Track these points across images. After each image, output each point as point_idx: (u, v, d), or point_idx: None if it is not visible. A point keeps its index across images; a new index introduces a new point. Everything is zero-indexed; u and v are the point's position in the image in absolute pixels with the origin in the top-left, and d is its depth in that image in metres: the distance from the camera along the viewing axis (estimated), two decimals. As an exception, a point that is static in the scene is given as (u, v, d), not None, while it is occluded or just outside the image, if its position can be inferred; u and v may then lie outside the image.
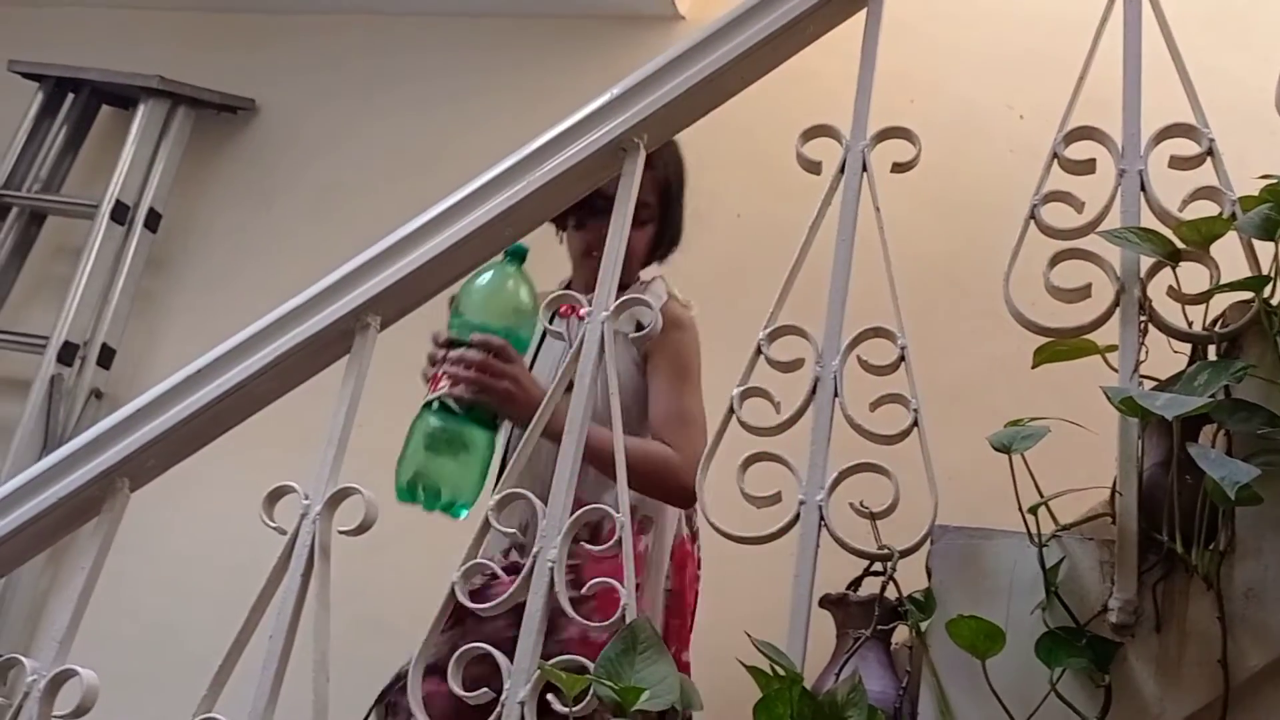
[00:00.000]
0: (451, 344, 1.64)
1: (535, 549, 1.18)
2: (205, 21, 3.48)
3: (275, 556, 1.25)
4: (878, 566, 1.21)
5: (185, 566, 2.72)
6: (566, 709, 1.07)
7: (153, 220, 3.21)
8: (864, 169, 1.30)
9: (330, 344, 1.37)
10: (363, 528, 1.24)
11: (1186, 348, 1.23)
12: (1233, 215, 1.22)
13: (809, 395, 1.21)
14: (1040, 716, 1.08)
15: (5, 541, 1.35)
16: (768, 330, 1.25)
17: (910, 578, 1.20)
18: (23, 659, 1.27)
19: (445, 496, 1.55)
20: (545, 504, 1.20)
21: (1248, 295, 1.18)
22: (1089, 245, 1.23)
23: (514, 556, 1.70)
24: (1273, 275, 1.16)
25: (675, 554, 1.89)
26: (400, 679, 1.64)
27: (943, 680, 1.12)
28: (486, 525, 1.22)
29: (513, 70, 3.17)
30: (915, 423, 1.18)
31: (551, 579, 1.15)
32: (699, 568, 1.94)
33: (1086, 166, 1.28)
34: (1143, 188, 1.25)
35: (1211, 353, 1.21)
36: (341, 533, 1.25)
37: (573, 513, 1.19)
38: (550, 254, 1.96)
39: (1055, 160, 1.29)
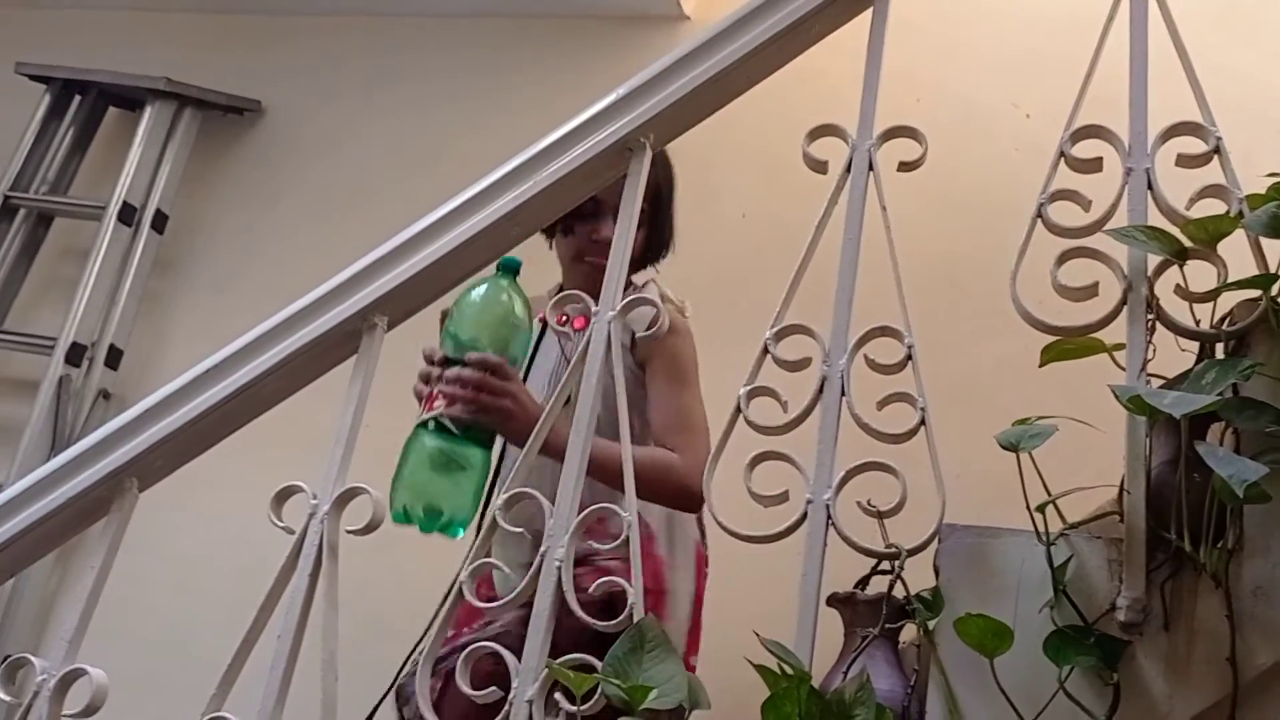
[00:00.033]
0: (447, 362, 1.60)
1: (543, 548, 1.18)
2: (211, 23, 3.49)
3: (283, 556, 1.25)
4: (885, 565, 1.21)
5: (194, 566, 2.73)
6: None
7: (159, 221, 3.22)
8: (870, 168, 1.30)
9: (338, 344, 1.37)
10: (370, 527, 1.24)
11: (1194, 346, 1.23)
12: (1240, 213, 1.22)
13: (816, 394, 1.21)
14: (1048, 715, 1.08)
15: (14, 542, 1.35)
16: (775, 329, 1.25)
17: (918, 576, 1.20)
18: (32, 658, 1.27)
19: (443, 517, 1.52)
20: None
21: (1255, 293, 1.18)
22: (1096, 244, 1.23)
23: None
24: (1280, 273, 1.16)
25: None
26: (413, 666, 1.64)
27: (951, 679, 1.12)
28: (494, 524, 1.22)
29: (518, 71, 3.17)
30: (922, 421, 1.18)
31: (559, 578, 1.15)
32: (706, 566, 1.94)
33: (1093, 165, 1.28)
34: (1150, 186, 1.25)
35: (1219, 351, 1.21)
36: (349, 532, 1.25)
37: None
38: (539, 261, 1.95)
39: (1062, 159, 1.29)
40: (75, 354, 3.03)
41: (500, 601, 1.21)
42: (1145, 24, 1.33)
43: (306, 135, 3.30)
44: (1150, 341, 1.19)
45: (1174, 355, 1.22)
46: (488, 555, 1.23)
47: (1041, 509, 1.14)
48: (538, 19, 3.22)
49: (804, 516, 1.16)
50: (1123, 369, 1.18)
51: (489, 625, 1.68)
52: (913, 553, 1.16)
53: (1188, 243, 1.21)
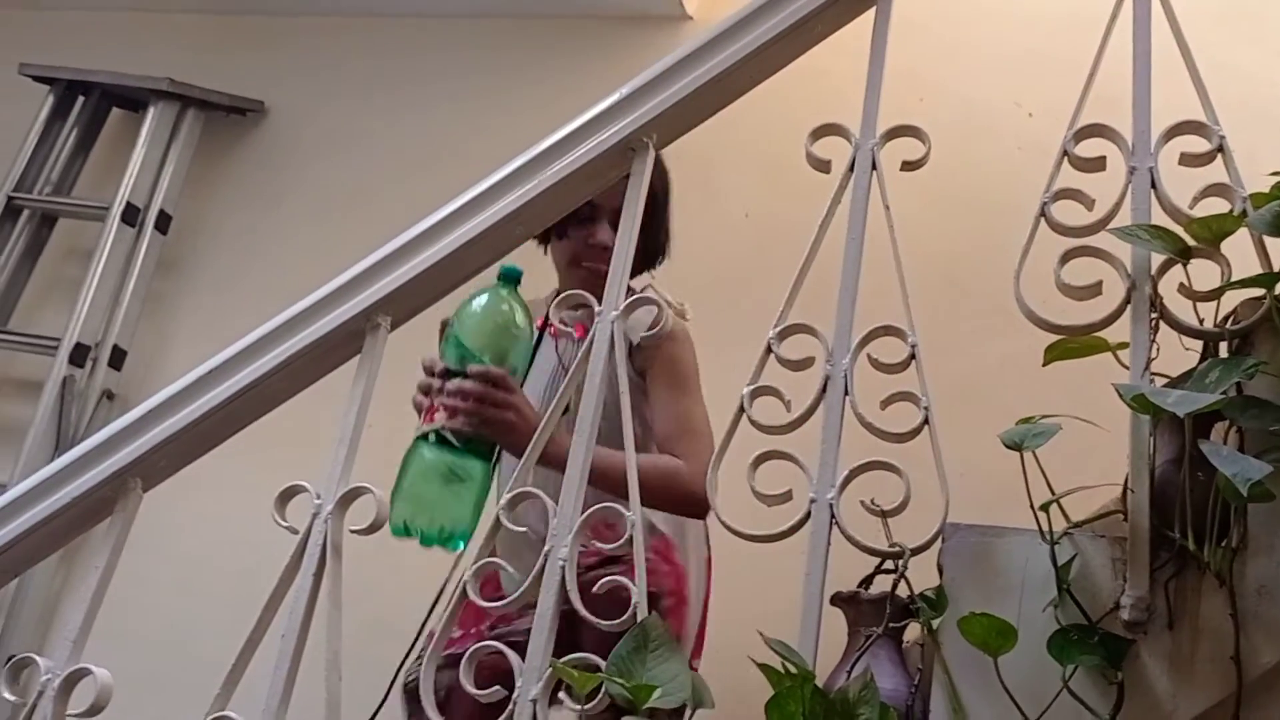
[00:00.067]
0: (448, 373, 1.59)
1: (546, 547, 1.18)
2: (214, 24, 3.50)
3: (287, 556, 1.25)
4: (889, 564, 1.21)
5: (198, 566, 2.73)
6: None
7: (163, 222, 3.23)
8: (873, 167, 1.30)
9: (341, 344, 1.38)
10: (374, 527, 1.24)
11: (1198, 345, 1.23)
12: (1244, 212, 1.22)
13: (819, 393, 1.21)
14: (1053, 714, 1.08)
15: (19, 542, 1.35)
16: (778, 329, 1.25)
17: (922, 575, 1.20)
18: (37, 658, 1.27)
19: (444, 530, 1.50)
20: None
21: (1259, 292, 1.17)
22: (1100, 243, 1.23)
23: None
24: (1284, 272, 1.16)
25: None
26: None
27: (955, 678, 1.12)
28: (498, 524, 1.22)
29: (521, 71, 3.18)
30: (926, 420, 1.18)
31: (563, 577, 1.15)
32: (711, 570, 1.94)
33: (1097, 164, 1.28)
34: (1153, 185, 1.25)
35: (1223, 350, 1.20)
36: (353, 532, 1.25)
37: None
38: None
39: (1065, 158, 1.28)
40: (79, 354, 3.04)
41: (504, 601, 1.20)
42: (1148, 22, 1.33)
43: (309, 136, 3.31)
44: (1154, 340, 1.18)
45: (1177, 354, 1.22)
46: (492, 555, 1.23)
47: (1045, 508, 1.14)
48: (541, 19, 3.22)
49: (807, 516, 1.16)
50: (1126, 368, 1.18)
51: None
52: (916, 552, 1.16)
53: (1191, 241, 1.20)
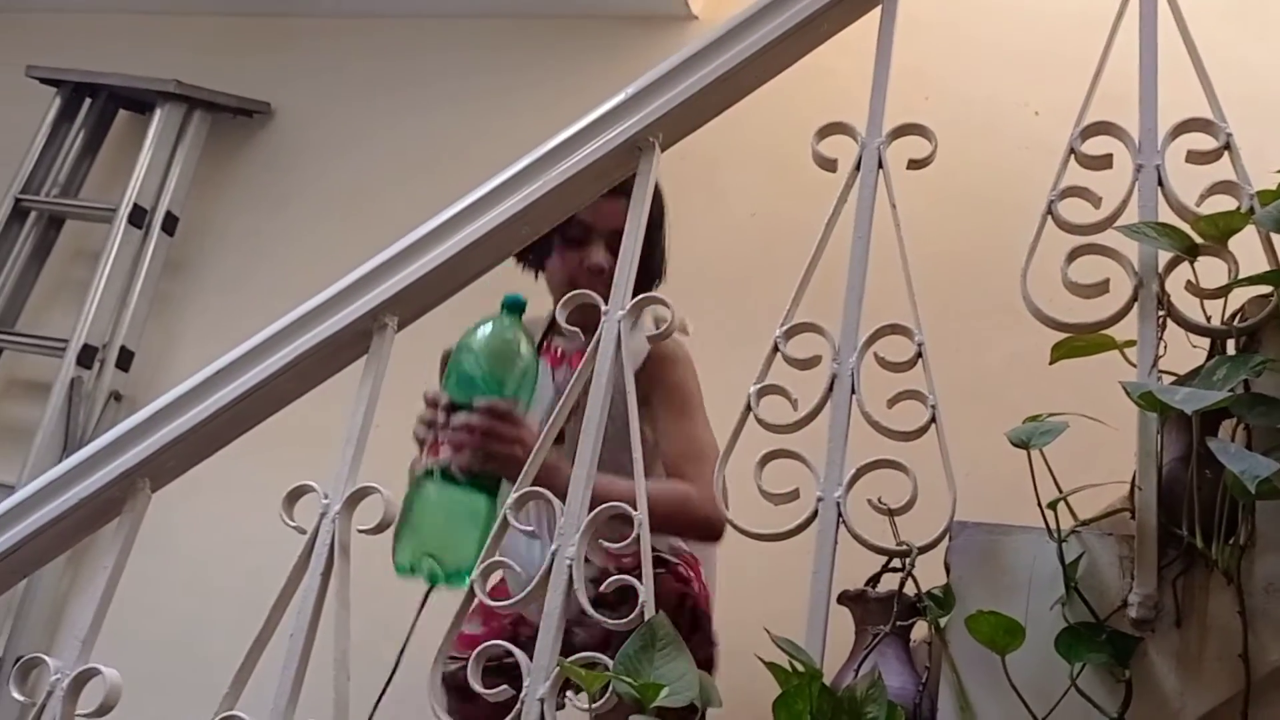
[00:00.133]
0: (452, 407, 1.55)
1: (553, 546, 1.18)
2: (221, 26, 3.50)
3: (295, 556, 1.25)
4: (896, 563, 1.21)
5: (206, 566, 2.74)
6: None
7: (170, 223, 3.23)
8: (880, 166, 1.30)
9: (349, 344, 1.38)
10: (382, 526, 1.25)
11: (1205, 342, 1.22)
12: (1251, 209, 1.21)
13: (826, 392, 1.21)
14: (1060, 712, 1.07)
15: (27, 542, 1.36)
16: (784, 328, 1.25)
17: (929, 574, 1.20)
18: (46, 658, 1.28)
19: (453, 570, 1.46)
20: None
21: (1266, 289, 1.17)
22: (1106, 240, 1.23)
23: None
24: (1291, 269, 1.16)
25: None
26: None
27: (962, 676, 1.12)
28: (505, 523, 1.23)
29: (527, 71, 3.18)
30: (933, 419, 1.18)
31: (570, 577, 1.16)
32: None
33: (1103, 162, 1.28)
34: (1160, 183, 1.24)
35: (1230, 347, 1.20)
36: (361, 531, 1.25)
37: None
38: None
39: (1072, 156, 1.28)
40: (86, 356, 3.04)
41: (511, 600, 1.21)
42: (1155, 20, 1.33)
43: (316, 137, 3.31)
44: (1161, 338, 1.18)
45: (1185, 352, 1.22)
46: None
47: (1053, 506, 1.13)
48: (547, 19, 3.22)
49: (815, 514, 1.16)
50: (1133, 366, 1.18)
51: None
52: (924, 550, 1.16)
53: (1198, 239, 1.20)
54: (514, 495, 1.23)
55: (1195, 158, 1.28)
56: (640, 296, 1.30)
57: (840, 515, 1.15)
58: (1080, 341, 1.23)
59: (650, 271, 1.91)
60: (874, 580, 1.29)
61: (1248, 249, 1.20)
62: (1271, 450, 1.07)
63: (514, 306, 1.59)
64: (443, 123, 3.18)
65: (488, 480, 1.52)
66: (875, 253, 1.27)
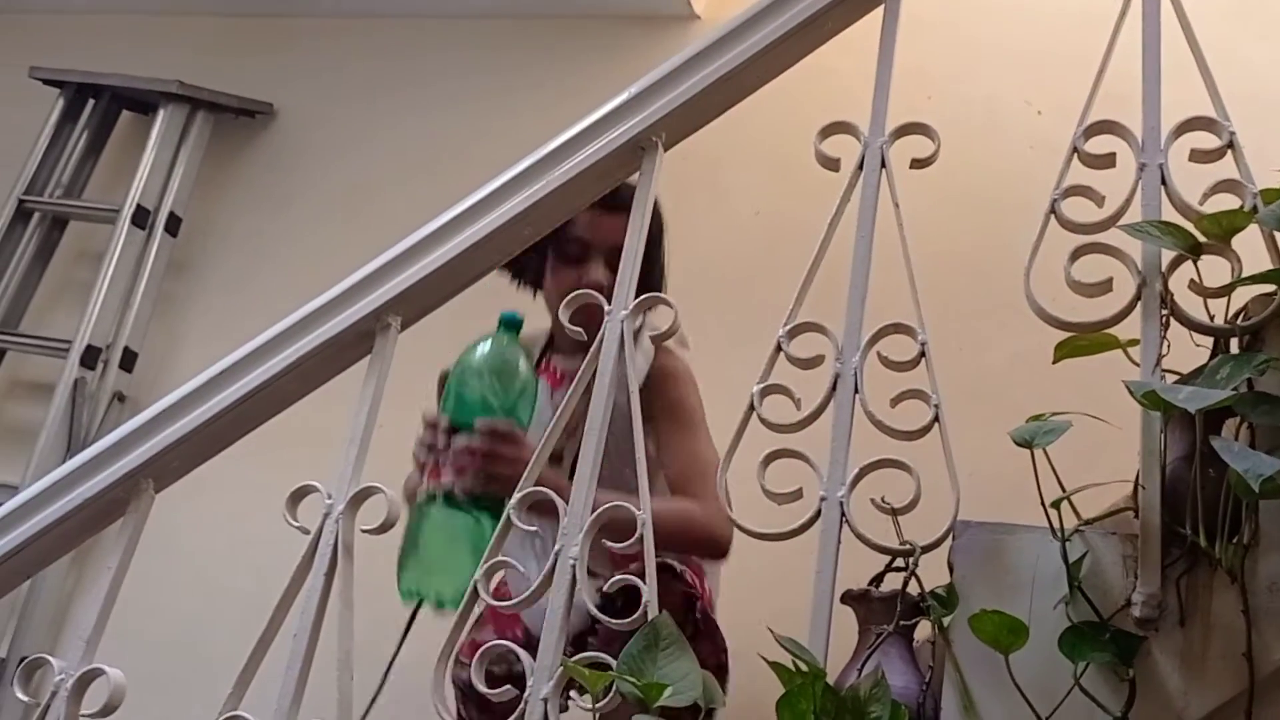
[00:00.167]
0: (452, 429, 1.54)
1: (557, 546, 1.18)
2: (223, 27, 3.51)
3: (299, 556, 1.26)
4: (900, 562, 1.21)
5: (210, 566, 2.74)
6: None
7: (173, 224, 3.24)
8: (883, 165, 1.30)
9: (352, 345, 1.38)
10: (385, 526, 1.24)
11: (1208, 341, 1.22)
12: (1254, 208, 1.21)
13: (829, 392, 1.21)
14: (1064, 711, 1.07)
15: (31, 543, 1.36)
16: (787, 327, 1.25)
17: (932, 573, 1.20)
18: (50, 659, 1.28)
19: (457, 593, 1.40)
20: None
21: (1270, 288, 1.17)
22: (1110, 239, 1.23)
23: None
24: (1295, 268, 1.16)
25: None
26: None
27: (966, 675, 1.12)
28: (509, 524, 1.23)
29: (529, 71, 3.18)
30: (936, 418, 1.18)
31: (574, 576, 1.16)
32: None
33: (1106, 161, 1.28)
34: (1163, 181, 1.24)
35: (1234, 346, 1.20)
36: (364, 531, 1.25)
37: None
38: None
39: (1075, 155, 1.28)
40: (90, 356, 3.04)
41: (514, 600, 1.21)
42: (1158, 19, 1.33)
43: (318, 137, 3.32)
44: (1164, 337, 1.18)
45: (1188, 351, 1.22)
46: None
47: (1056, 505, 1.13)
48: (549, 19, 3.22)
49: (818, 514, 1.16)
50: (1137, 365, 1.18)
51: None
52: (927, 549, 1.16)
53: (1202, 238, 1.20)
54: (518, 496, 1.23)
55: (1198, 156, 1.28)
56: (644, 296, 1.30)
57: (843, 515, 1.15)
58: (1083, 340, 1.23)
59: (650, 288, 1.87)
60: (877, 580, 1.29)
61: (1251, 248, 1.20)
62: (1275, 449, 1.07)
63: (511, 324, 1.58)
64: (445, 123, 3.18)
65: (490, 503, 1.49)
66: (878, 252, 1.27)
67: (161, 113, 3.30)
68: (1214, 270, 1.20)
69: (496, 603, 1.26)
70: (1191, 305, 1.20)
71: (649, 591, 1.13)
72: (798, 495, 1.18)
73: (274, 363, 1.36)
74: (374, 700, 1.60)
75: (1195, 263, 1.20)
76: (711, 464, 1.75)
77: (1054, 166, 1.28)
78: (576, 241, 1.81)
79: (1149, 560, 1.11)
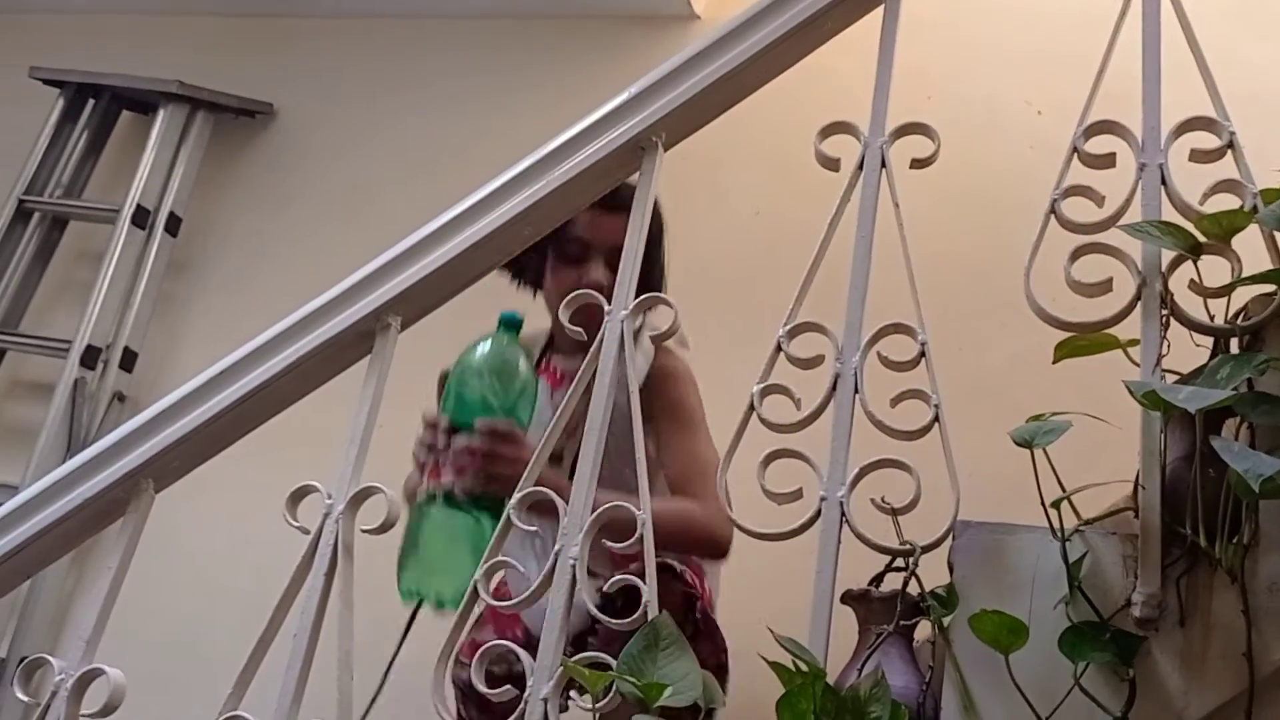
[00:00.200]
0: (452, 429, 1.53)
1: (557, 546, 1.18)
2: (223, 27, 3.51)
3: (299, 556, 1.26)
4: (900, 562, 1.21)
5: (210, 566, 2.74)
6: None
7: (173, 224, 3.24)
8: (883, 165, 1.30)
9: (352, 345, 1.38)
10: (385, 526, 1.24)
11: (1208, 341, 1.22)
12: (1254, 208, 1.21)
13: (829, 392, 1.21)
14: (1064, 711, 1.07)
15: (31, 543, 1.36)
16: (787, 327, 1.25)
17: (932, 573, 1.20)
18: (50, 659, 1.28)
19: (457, 593, 1.38)
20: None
21: (1270, 288, 1.17)
22: (1110, 239, 1.23)
23: None
24: (1295, 268, 1.16)
25: None
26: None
27: (966, 675, 1.12)
28: (509, 524, 1.23)
29: (529, 71, 3.18)
30: (936, 418, 1.18)
31: (574, 576, 1.16)
32: None
33: (1106, 161, 1.28)
34: (1163, 181, 1.24)
35: (1234, 346, 1.20)
36: (364, 531, 1.25)
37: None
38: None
39: (1075, 154, 1.28)
40: (90, 356, 3.04)
41: (516, 600, 1.21)
42: (1158, 18, 1.33)
43: (318, 138, 3.32)
44: (1164, 337, 1.18)
45: (1188, 351, 1.22)
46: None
47: (1056, 505, 1.13)
48: (550, 19, 3.22)
49: (818, 514, 1.16)
50: (1137, 365, 1.18)
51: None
52: (927, 549, 1.16)
53: (1202, 238, 1.20)
54: (518, 496, 1.23)
55: (1198, 156, 1.28)
56: (644, 296, 1.30)
57: (843, 515, 1.15)
58: (1083, 340, 1.23)
59: (650, 288, 1.85)
60: (877, 580, 1.29)
61: (1251, 248, 1.20)
62: (1275, 449, 1.07)
63: (511, 324, 1.57)
64: (445, 123, 3.18)
65: (491, 503, 1.49)
66: (878, 252, 1.27)
67: (161, 113, 3.30)
68: (1214, 270, 1.20)
69: (496, 603, 1.25)
70: (1191, 305, 1.21)
71: (649, 591, 1.13)
72: (798, 495, 1.18)
73: (274, 363, 1.36)
74: (374, 700, 1.61)
75: (1195, 263, 1.20)
76: (711, 464, 1.74)
77: (1054, 166, 1.28)
78: (576, 241, 1.81)
79: (1149, 560, 1.11)
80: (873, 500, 1.18)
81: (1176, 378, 1.18)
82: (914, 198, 1.29)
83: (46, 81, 3.38)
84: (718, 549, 1.75)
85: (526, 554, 1.61)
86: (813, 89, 2.04)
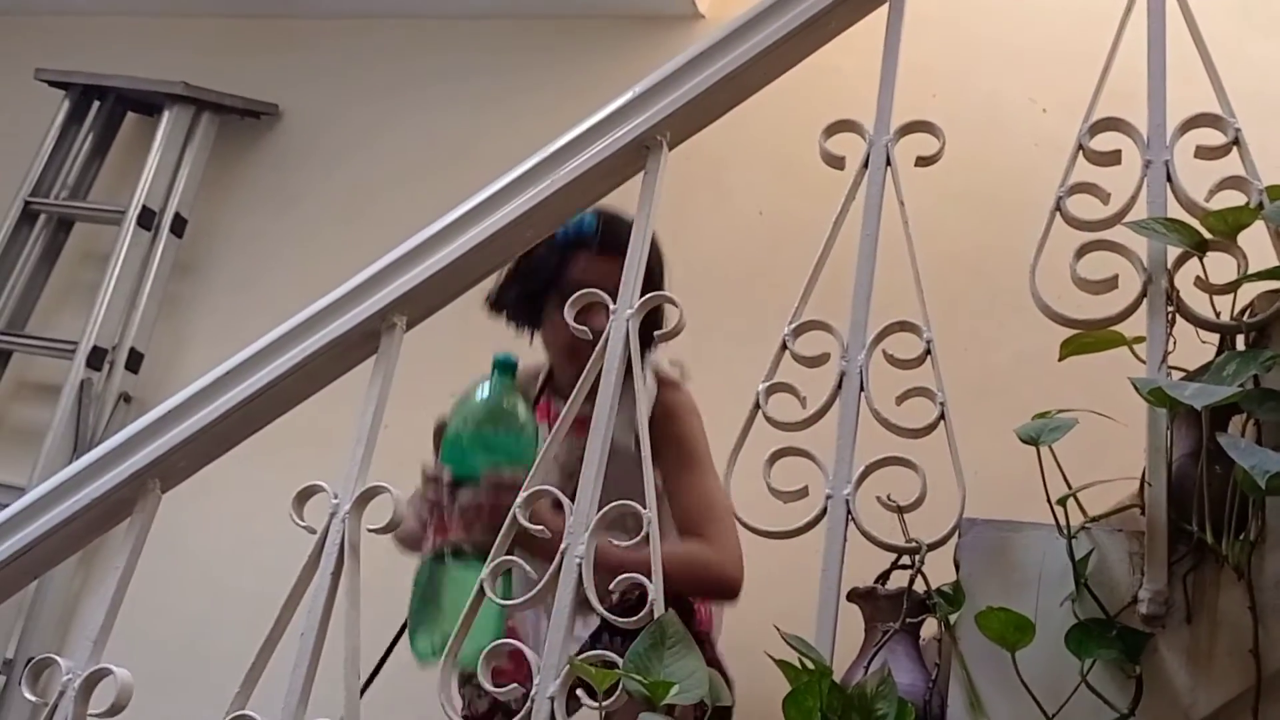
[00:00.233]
0: (456, 483, 1.52)
1: (563, 545, 1.18)
2: (228, 28, 3.51)
3: (305, 555, 1.26)
4: (905, 560, 1.21)
5: (217, 566, 2.74)
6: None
7: (178, 225, 3.24)
8: (888, 163, 1.30)
9: (357, 344, 1.38)
10: (391, 526, 1.25)
11: (1214, 338, 1.22)
12: (1260, 204, 1.21)
13: (835, 390, 1.21)
14: (1071, 708, 1.07)
15: (39, 543, 1.36)
16: (793, 325, 1.25)
17: (938, 571, 1.20)
18: (58, 659, 1.28)
19: (477, 649, 1.32)
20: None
21: (1276, 284, 1.17)
22: (1115, 236, 1.23)
23: None
24: (1301, 264, 1.16)
25: None
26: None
27: (972, 672, 1.12)
28: (514, 522, 1.23)
29: (534, 71, 3.18)
30: (942, 416, 1.18)
31: (580, 575, 1.16)
32: None
33: (1112, 158, 1.28)
34: (1169, 178, 1.24)
35: (1240, 342, 1.20)
36: (371, 530, 1.26)
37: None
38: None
39: (1080, 152, 1.28)
40: (96, 358, 3.05)
41: (521, 599, 1.21)
42: (1163, 15, 1.33)
43: (323, 138, 3.32)
44: (1170, 334, 1.18)
45: (1194, 347, 1.22)
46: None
47: (1062, 502, 1.13)
48: (555, 19, 3.22)
49: (824, 512, 1.16)
50: (1143, 362, 1.18)
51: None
52: (933, 547, 1.17)
53: (1207, 235, 1.20)
54: (523, 495, 1.23)
55: (1204, 153, 1.28)
56: (648, 295, 1.30)
57: (849, 512, 1.15)
58: (1089, 338, 1.23)
59: (652, 324, 1.81)
60: (883, 577, 1.29)
61: (1257, 244, 1.20)
62: (1282, 445, 1.07)
63: (506, 367, 1.55)
64: (449, 123, 3.18)
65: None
66: (883, 250, 1.27)
67: (167, 114, 3.30)
68: (1220, 267, 1.20)
69: (502, 602, 1.25)
70: (1197, 302, 1.20)
71: (655, 590, 1.13)
72: (803, 493, 1.19)
73: (280, 363, 1.36)
74: (366, 685, 1.59)
75: (1201, 259, 1.20)
76: (721, 502, 1.73)
77: (1059, 164, 1.28)
78: (575, 285, 1.78)
79: (1155, 557, 1.11)
80: (878, 498, 1.18)
81: (1182, 375, 1.18)
82: (919, 196, 1.29)
83: (52, 83, 3.39)
84: (729, 591, 1.73)
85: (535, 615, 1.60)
86: (816, 88, 2.04)
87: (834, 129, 1.33)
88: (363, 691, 1.51)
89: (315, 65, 3.42)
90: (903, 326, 1.22)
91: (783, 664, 1.07)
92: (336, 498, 1.27)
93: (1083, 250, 1.22)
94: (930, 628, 1.27)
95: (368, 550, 1.26)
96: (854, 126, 1.33)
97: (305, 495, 1.28)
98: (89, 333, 3.06)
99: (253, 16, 3.49)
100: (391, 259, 1.39)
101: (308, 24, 3.46)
